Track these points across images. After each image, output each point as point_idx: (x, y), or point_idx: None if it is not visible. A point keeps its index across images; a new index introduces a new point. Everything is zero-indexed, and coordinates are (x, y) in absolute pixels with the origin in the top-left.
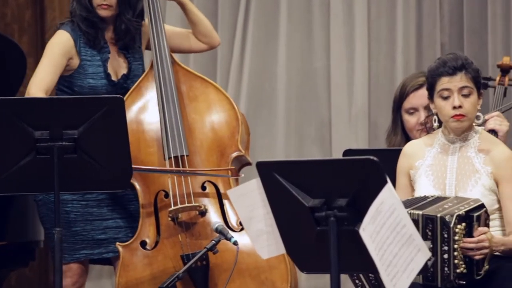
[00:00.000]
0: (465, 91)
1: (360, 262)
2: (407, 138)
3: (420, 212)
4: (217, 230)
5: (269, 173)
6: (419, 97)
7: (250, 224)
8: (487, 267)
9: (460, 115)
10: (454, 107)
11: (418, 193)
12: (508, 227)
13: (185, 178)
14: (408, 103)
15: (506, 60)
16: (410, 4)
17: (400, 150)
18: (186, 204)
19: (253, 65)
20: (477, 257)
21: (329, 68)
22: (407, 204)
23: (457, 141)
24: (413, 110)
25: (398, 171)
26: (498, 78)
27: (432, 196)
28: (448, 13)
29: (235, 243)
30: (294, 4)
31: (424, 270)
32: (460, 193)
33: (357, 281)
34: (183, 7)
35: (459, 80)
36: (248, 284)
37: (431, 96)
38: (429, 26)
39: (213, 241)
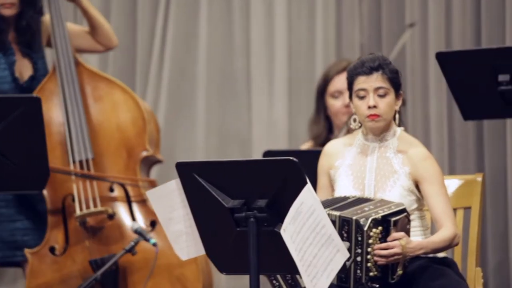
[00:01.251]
0: (381, 92)
1: (280, 263)
2: (329, 125)
3: (338, 214)
4: (136, 232)
5: (189, 174)
6: (344, 81)
7: (169, 225)
8: (400, 272)
9: (375, 115)
10: (369, 107)
11: (338, 193)
12: (437, 224)
13: (90, 182)
14: (333, 86)
15: None
16: (329, 6)
17: (320, 151)
18: (92, 210)
19: (173, 66)
20: (389, 263)
21: (249, 68)
22: (327, 204)
23: (376, 142)
24: (338, 94)
25: (318, 171)
26: None
27: (353, 197)
28: (367, 14)
29: (155, 244)
30: (214, 4)
31: (343, 270)
32: (379, 194)
33: (274, 282)
34: (84, 11)
35: (375, 80)
36: (161, 282)
37: (350, 95)
38: (349, 27)
39: (132, 243)
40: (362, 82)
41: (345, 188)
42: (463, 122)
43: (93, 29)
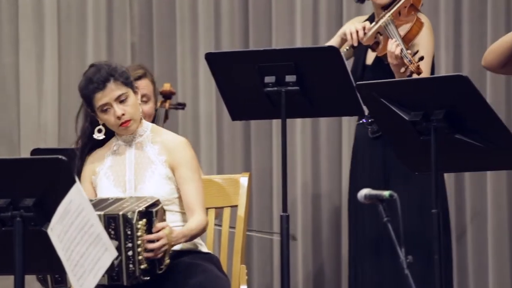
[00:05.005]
0: (122, 98)
1: (47, 263)
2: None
3: (102, 212)
4: None
5: None
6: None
7: None
8: (168, 261)
9: (126, 121)
10: (118, 117)
11: (100, 195)
12: (188, 212)
13: None
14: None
15: (166, 87)
16: (100, 5)
17: None
18: None
19: None
20: (158, 256)
21: (17, 65)
22: None
23: (131, 140)
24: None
25: (82, 179)
26: (160, 103)
27: (112, 198)
28: (138, 14)
29: None
30: None
31: (110, 269)
32: (140, 186)
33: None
34: None
35: (112, 91)
36: None
37: (93, 111)
38: (119, 26)
39: None
40: (100, 98)
41: (106, 189)
42: (232, 122)
43: None
